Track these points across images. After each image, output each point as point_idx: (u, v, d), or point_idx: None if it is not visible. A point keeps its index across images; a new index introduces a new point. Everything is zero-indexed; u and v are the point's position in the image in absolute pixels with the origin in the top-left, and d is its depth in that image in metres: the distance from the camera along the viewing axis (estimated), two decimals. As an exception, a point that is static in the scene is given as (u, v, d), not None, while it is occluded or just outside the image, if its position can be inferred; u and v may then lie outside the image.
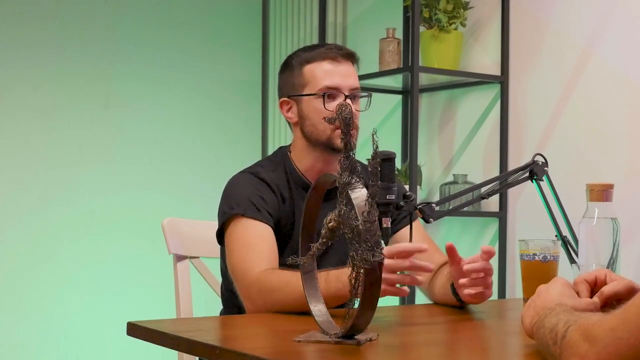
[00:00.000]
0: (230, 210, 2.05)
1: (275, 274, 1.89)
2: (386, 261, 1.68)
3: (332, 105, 2.09)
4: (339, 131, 2.05)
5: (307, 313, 1.51)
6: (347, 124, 1.37)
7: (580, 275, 1.45)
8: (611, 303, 1.37)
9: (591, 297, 1.37)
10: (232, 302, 2.19)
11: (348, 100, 2.10)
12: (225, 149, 4.25)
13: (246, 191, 2.07)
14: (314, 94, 2.10)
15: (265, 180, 2.11)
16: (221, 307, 2.27)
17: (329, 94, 2.10)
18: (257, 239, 2.01)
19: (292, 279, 1.80)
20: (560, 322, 1.14)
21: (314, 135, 2.13)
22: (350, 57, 2.16)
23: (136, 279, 3.99)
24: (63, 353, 3.87)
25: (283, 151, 2.23)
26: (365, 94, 2.18)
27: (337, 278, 1.75)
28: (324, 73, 2.11)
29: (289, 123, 2.21)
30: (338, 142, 2.07)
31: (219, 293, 2.30)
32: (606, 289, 1.35)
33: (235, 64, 4.37)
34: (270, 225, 2.05)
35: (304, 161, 2.17)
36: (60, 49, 3.91)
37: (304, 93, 2.12)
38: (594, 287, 1.40)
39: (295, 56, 2.17)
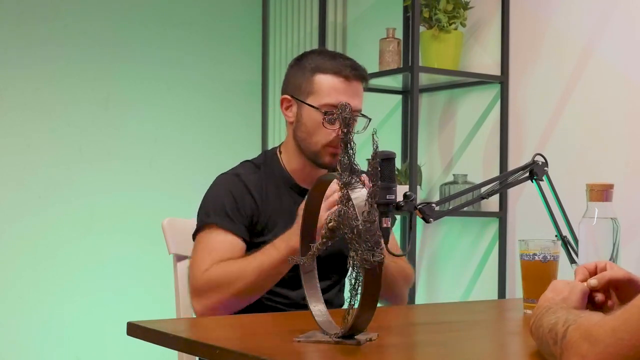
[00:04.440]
0: (206, 218, 2.11)
1: (222, 267, 1.99)
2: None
3: (331, 125, 2.09)
4: (329, 149, 2.09)
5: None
6: (347, 124, 1.37)
7: (581, 265, 1.46)
8: (608, 292, 1.38)
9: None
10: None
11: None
12: (225, 149, 4.25)
13: (224, 198, 2.12)
14: (316, 107, 2.10)
15: (245, 182, 2.14)
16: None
17: (330, 112, 2.09)
18: (221, 244, 2.06)
19: (240, 267, 1.95)
20: (560, 322, 1.14)
21: (304, 143, 2.15)
22: (362, 78, 2.15)
23: (136, 279, 3.99)
24: (63, 353, 3.87)
25: (267, 153, 2.27)
26: (366, 117, 2.17)
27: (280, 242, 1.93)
28: (332, 89, 2.11)
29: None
30: (325, 160, 2.12)
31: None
32: (607, 273, 1.37)
33: (236, 64, 4.37)
34: (242, 237, 2.09)
35: (293, 162, 2.19)
36: (60, 49, 3.91)
37: (308, 101, 2.12)
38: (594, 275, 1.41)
39: (311, 59, 2.16)
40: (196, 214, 2.18)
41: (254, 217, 2.14)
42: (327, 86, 2.11)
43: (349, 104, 1.42)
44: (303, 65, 2.16)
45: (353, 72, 2.13)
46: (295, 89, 2.16)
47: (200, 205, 2.16)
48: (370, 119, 2.17)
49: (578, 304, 1.29)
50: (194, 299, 2.03)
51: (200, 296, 2.00)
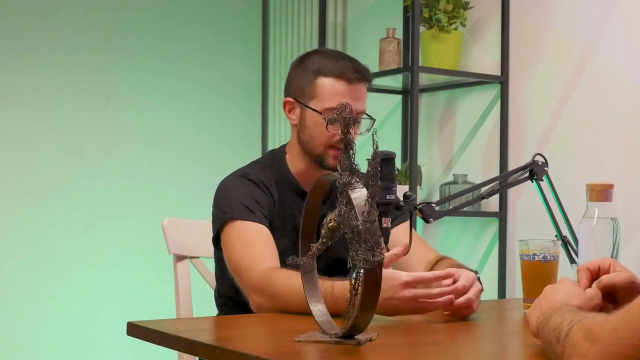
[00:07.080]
0: (224, 215, 2.05)
1: (281, 275, 1.86)
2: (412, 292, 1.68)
3: (333, 127, 2.06)
4: (332, 151, 2.08)
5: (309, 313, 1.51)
6: (346, 123, 1.37)
7: (584, 264, 1.45)
8: (611, 295, 1.38)
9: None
10: (227, 305, 2.19)
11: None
12: (225, 149, 4.25)
13: (237, 195, 2.07)
14: (319, 112, 2.08)
15: (255, 181, 2.11)
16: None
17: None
18: (255, 236, 2.01)
19: (298, 282, 1.77)
20: (565, 321, 1.14)
21: (308, 145, 2.13)
22: (365, 80, 2.12)
23: (136, 279, 3.99)
24: (63, 353, 3.87)
25: (274, 153, 2.23)
26: (370, 118, 2.13)
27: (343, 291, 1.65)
28: (335, 93, 2.07)
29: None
30: (329, 162, 2.09)
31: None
32: (605, 278, 1.36)
33: (236, 64, 4.37)
34: (265, 225, 2.05)
35: (298, 164, 2.17)
36: (60, 48, 3.91)
37: (310, 105, 2.10)
38: (597, 277, 1.40)
39: (313, 60, 2.12)
40: (208, 220, 2.14)
41: (271, 215, 2.09)
42: (330, 90, 2.08)
43: (349, 104, 1.41)
44: (305, 67, 2.12)
45: (356, 75, 2.09)
46: (297, 91, 2.13)
47: (213, 210, 2.11)
48: (374, 120, 2.14)
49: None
50: (254, 294, 1.91)
51: (259, 293, 1.89)
